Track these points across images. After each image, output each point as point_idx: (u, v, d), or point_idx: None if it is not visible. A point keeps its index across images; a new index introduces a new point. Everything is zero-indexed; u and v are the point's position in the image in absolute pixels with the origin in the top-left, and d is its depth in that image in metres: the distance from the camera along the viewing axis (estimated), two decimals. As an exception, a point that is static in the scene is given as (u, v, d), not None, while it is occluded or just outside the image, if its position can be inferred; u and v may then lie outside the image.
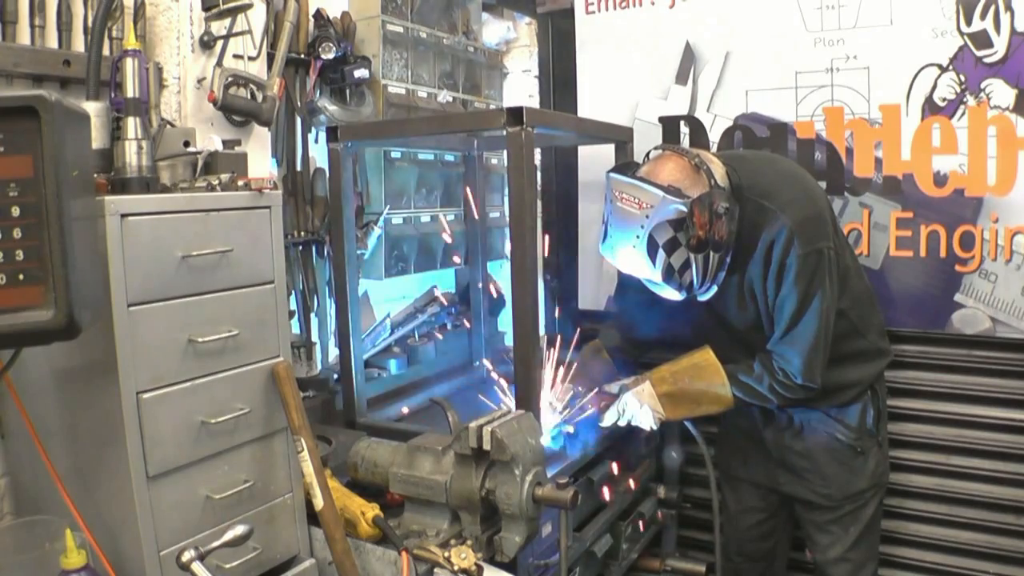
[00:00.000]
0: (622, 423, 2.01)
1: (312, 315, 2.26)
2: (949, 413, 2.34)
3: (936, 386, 2.33)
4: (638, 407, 1.98)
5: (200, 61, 1.83)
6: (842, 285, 1.94)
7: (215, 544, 1.27)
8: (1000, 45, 2.15)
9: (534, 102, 3.02)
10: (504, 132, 1.79)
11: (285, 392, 1.50)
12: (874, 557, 2.17)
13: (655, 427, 2.00)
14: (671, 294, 1.89)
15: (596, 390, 2.08)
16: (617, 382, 2.07)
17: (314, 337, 2.28)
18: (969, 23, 2.18)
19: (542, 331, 2.95)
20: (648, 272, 1.83)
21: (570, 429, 2.03)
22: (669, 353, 2.11)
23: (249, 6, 1.86)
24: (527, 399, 1.86)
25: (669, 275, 1.81)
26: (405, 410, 2.31)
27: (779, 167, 2.08)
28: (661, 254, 1.77)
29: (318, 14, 2.20)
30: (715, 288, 1.93)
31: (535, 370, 1.88)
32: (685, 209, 1.73)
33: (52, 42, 1.61)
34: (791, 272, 1.85)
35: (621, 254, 1.84)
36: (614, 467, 2.11)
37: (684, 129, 2.66)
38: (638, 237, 1.77)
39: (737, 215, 1.84)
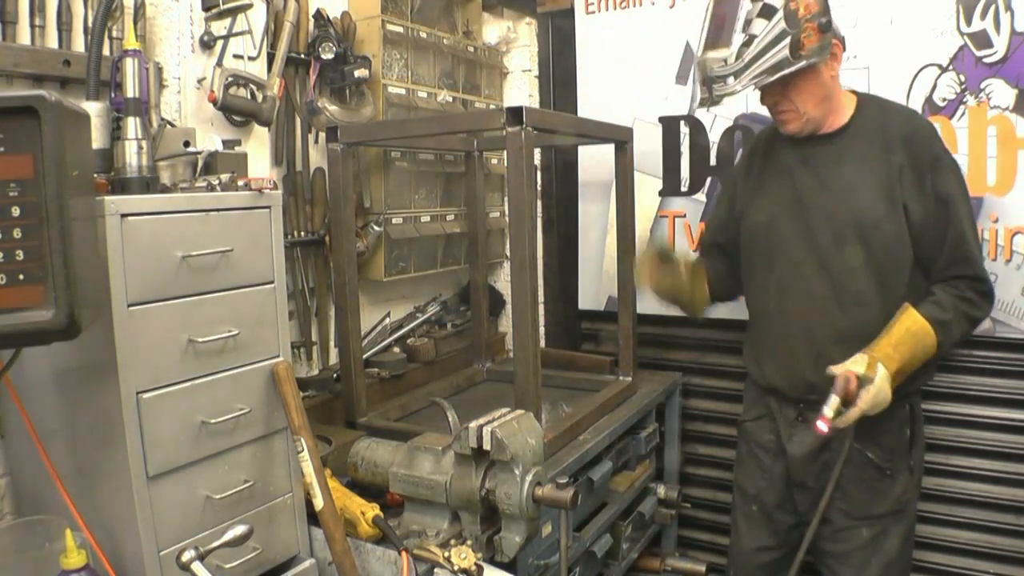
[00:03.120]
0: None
1: (312, 315, 2.26)
2: (949, 413, 2.34)
3: (936, 386, 2.34)
4: (883, 394, 1.68)
5: (200, 61, 1.83)
6: None
7: (215, 544, 1.27)
8: (1000, 45, 2.15)
9: (534, 102, 3.02)
10: (504, 132, 1.79)
11: (285, 392, 1.50)
12: None
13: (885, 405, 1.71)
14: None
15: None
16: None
17: (314, 337, 2.28)
18: (969, 23, 2.18)
19: (542, 331, 2.96)
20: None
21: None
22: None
23: (249, 6, 1.86)
24: (527, 399, 1.86)
25: (744, 45, 1.70)
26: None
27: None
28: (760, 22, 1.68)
29: (318, 14, 2.20)
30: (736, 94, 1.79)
31: (535, 370, 1.88)
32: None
33: (52, 42, 1.61)
34: (945, 167, 1.77)
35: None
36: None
37: (684, 129, 2.67)
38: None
39: (829, 48, 1.76)
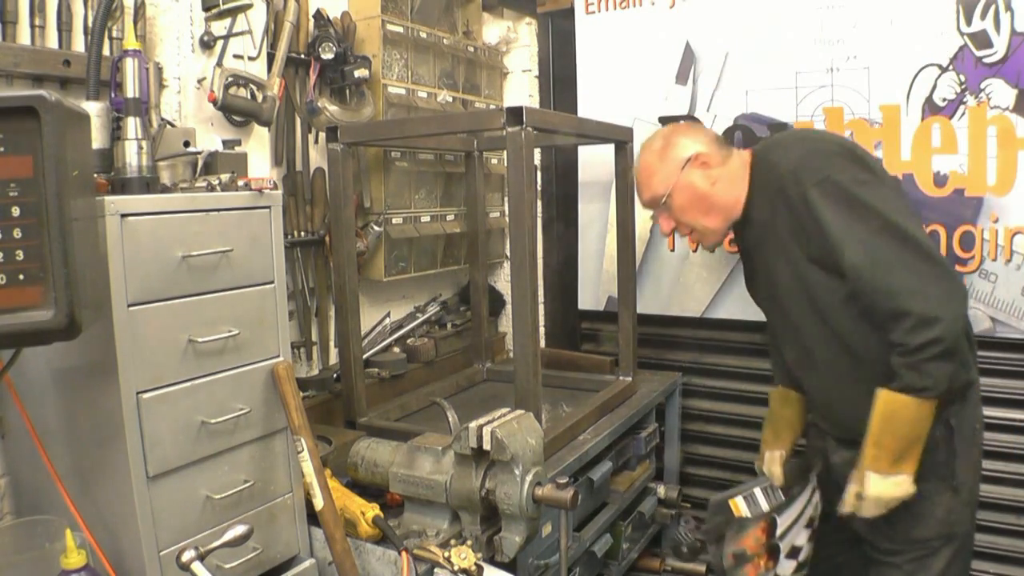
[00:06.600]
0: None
1: (312, 315, 2.26)
2: (949, 413, 2.34)
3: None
4: (885, 495, 1.61)
5: (200, 61, 1.83)
6: None
7: (215, 544, 1.27)
8: (1000, 45, 2.15)
9: (534, 102, 3.02)
10: (504, 132, 1.79)
11: (285, 392, 1.50)
12: None
13: (910, 491, 1.61)
14: None
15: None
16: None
17: (314, 337, 2.28)
18: (969, 23, 2.18)
19: (542, 331, 2.96)
20: None
21: None
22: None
23: (249, 6, 1.86)
24: (527, 399, 1.86)
25: None
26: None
27: (795, 131, 2.06)
28: None
29: (318, 14, 2.20)
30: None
31: (535, 370, 1.88)
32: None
33: (52, 42, 1.61)
34: (818, 207, 1.59)
35: None
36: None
37: (684, 129, 2.67)
38: None
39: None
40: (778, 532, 1.86)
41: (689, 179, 1.81)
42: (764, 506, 1.85)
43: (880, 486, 1.61)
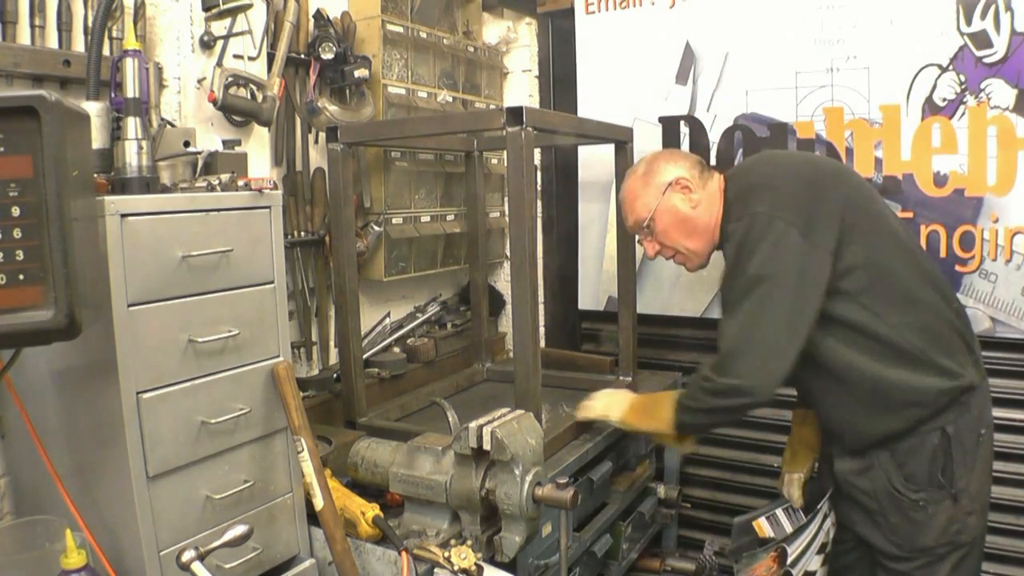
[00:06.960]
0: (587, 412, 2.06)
1: (312, 315, 2.26)
2: (949, 413, 2.33)
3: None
4: (602, 399, 2.03)
5: (200, 61, 1.83)
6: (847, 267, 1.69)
7: (215, 544, 1.27)
8: (1000, 45, 2.15)
9: (534, 102, 3.02)
10: (504, 132, 1.79)
11: (285, 392, 1.51)
12: None
13: (603, 420, 2.03)
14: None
15: None
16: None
17: (314, 337, 2.28)
18: (969, 23, 2.18)
19: (542, 331, 2.96)
20: None
21: None
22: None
23: (249, 6, 1.86)
24: (527, 399, 1.86)
25: None
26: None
27: (762, 156, 2.11)
28: None
29: (318, 14, 2.20)
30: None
31: (535, 370, 1.88)
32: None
33: (52, 42, 1.61)
34: (732, 241, 1.73)
35: None
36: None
37: (684, 129, 2.67)
38: None
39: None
40: (789, 560, 1.88)
41: (671, 202, 1.88)
42: (787, 526, 1.90)
43: (612, 399, 2.02)
